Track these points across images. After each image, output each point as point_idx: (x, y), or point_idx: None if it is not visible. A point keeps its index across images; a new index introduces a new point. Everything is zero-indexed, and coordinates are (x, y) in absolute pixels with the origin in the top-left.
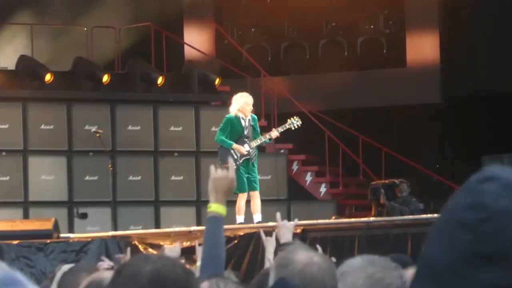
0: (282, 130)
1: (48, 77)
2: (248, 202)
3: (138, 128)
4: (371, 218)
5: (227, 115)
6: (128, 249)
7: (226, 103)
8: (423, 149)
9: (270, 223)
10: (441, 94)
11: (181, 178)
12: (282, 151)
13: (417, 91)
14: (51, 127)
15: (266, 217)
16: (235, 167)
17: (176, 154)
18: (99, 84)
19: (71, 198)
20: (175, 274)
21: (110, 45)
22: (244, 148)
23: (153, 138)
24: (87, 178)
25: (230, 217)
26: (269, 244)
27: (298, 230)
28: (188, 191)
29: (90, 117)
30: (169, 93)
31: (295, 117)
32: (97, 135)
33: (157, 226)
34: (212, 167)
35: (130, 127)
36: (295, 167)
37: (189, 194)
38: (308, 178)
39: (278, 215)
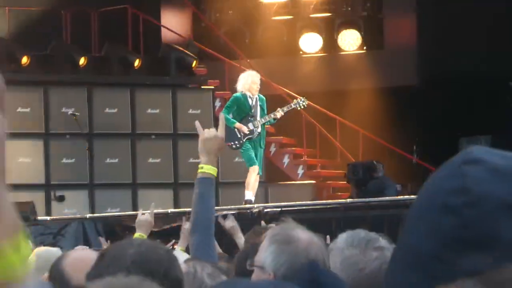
0: (287, 109)
1: (24, 60)
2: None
3: (115, 110)
4: (348, 200)
5: (234, 94)
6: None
7: (203, 86)
8: (401, 131)
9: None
10: (419, 76)
11: (158, 160)
12: None
13: (394, 73)
14: (28, 110)
15: (242, 199)
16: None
17: (153, 136)
18: (76, 67)
19: (48, 180)
20: (158, 255)
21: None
22: (247, 128)
23: (130, 120)
24: (64, 160)
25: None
26: (235, 229)
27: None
28: (166, 173)
29: (67, 100)
30: (146, 75)
31: (301, 97)
32: (74, 117)
33: (135, 208)
34: (199, 128)
35: (107, 110)
36: (272, 149)
37: (167, 177)
38: (286, 160)
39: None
